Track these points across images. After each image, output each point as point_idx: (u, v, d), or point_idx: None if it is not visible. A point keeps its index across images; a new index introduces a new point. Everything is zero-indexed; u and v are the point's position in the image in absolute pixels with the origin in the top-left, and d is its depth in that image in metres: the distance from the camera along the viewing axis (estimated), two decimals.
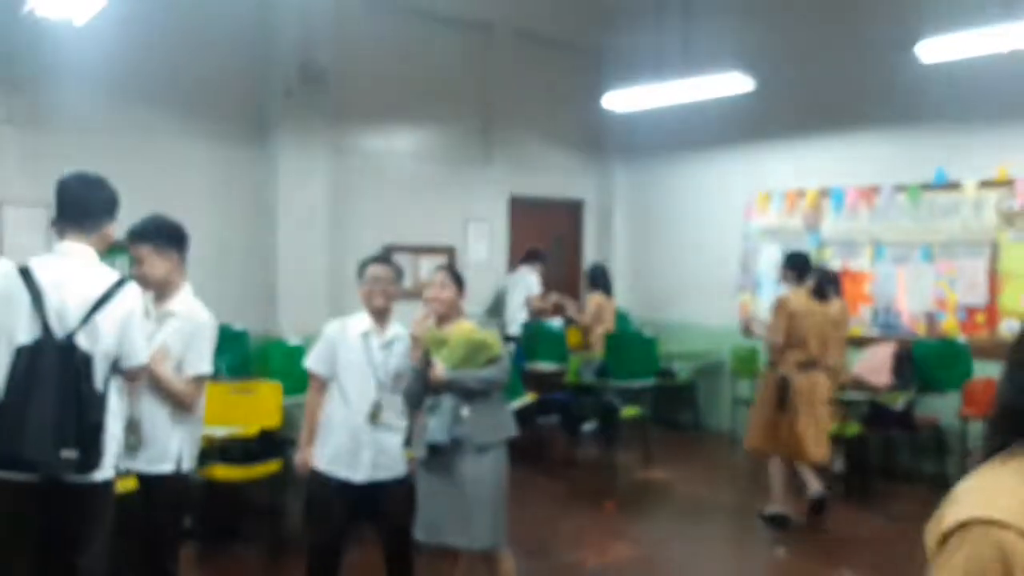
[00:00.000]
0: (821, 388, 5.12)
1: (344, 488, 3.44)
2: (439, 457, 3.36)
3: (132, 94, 6.03)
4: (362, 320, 3.54)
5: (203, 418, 3.35)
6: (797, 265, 5.26)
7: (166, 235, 3.25)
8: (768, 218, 7.55)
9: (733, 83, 6.27)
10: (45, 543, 2.72)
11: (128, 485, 3.40)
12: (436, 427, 3.34)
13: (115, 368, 2.77)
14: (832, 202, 7.03)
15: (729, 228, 7.80)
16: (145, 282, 3.13)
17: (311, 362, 3.58)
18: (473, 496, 3.34)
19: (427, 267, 7.53)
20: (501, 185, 8.09)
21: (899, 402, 5.92)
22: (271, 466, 4.68)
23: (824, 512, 5.19)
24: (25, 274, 2.67)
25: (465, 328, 3.47)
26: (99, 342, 2.69)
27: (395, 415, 3.52)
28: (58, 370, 2.59)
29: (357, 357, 3.49)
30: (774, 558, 4.88)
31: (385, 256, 3.80)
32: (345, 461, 3.45)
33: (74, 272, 2.73)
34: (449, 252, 7.69)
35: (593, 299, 7.42)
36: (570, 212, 8.93)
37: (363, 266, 3.59)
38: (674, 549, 5.08)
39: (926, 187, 6.41)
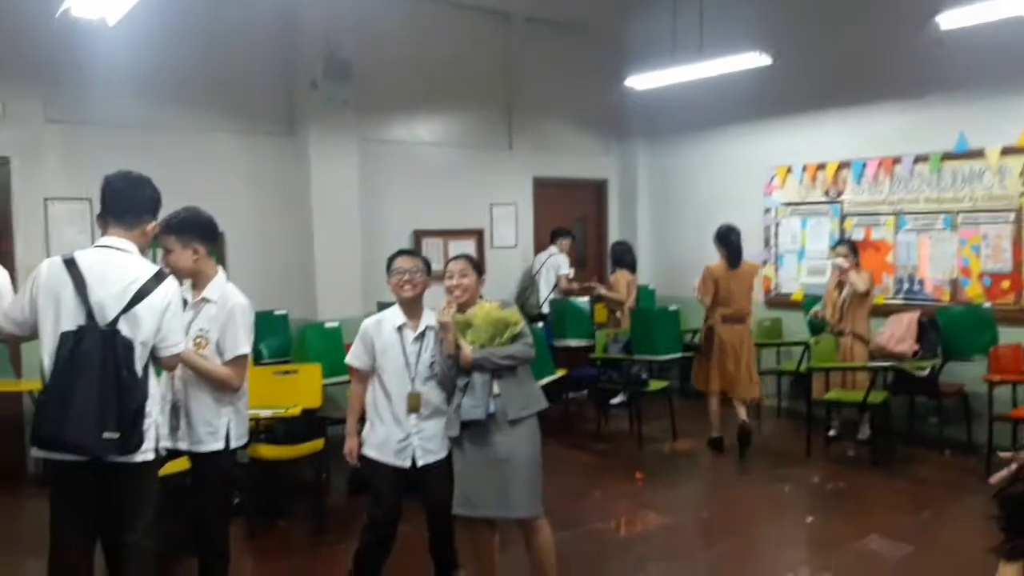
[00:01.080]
0: (745, 336, 6.31)
1: (395, 472, 3.62)
2: (474, 433, 3.50)
3: (166, 90, 6.24)
4: (396, 314, 3.68)
5: (248, 395, 3.51)
6: (718, 237, 6.39)
7: (190, 227, 3.38)
8: (789, 192, 7.60)
9: (750, 60, 6.32)
10: (96, 522, 2.87)
11: (178, 466, 3.60)
12: (471, 405, 3.48)
13: (153, 356, 2.90)
14: (853, 174, 7.08)
15: (750, 203, 7.87)
16: (174, 271, 3.27)
17: (350, 358, 3.74)
18: (509, 468, 3.46)
19: (456, 251, 7.69)
20: (525, 168, 8.22)
21: (924, 369, 6.00)
22: (314, 445, 4.87)
23: (749, 439, 6.09)
24: (70, 264, 2.80)
25: (486, 307, 3.57)
26: (139, 330, 2.80)
27: (435, 402, 3.66)
28: (100, 355, 2.69)
29: (393, 350, 3.63)
30: (802, 524, 5.00)
31: (410, 249, 3.92)
32: (393, 450, 3.61)
33: (116, 263, 2.84)
34: (476, 235, 7.84)
35: (621, 276, 7.56)
36: (594, 192, 9.04)
37: (391, 260, 3.73)
38: (702, 518, 5.22)
39: (948, 156, 6.44)
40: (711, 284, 6.27)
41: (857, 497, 5.31)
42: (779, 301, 7.73)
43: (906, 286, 6.75)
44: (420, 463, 3.62)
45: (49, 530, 2.84)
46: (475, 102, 7.90)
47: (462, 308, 3.61)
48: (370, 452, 3.67)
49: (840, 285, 6.27)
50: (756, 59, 6.29)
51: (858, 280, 6.05)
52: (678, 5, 6.70)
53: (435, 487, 3.69)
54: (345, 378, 4.74)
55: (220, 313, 3.35)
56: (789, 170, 7.57)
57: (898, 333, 6.07)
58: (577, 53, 8.48)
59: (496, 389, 3.49)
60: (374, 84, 7.06)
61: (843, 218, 7.17)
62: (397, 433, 3.61)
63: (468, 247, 7.78)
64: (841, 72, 7.02)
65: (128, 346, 2.75)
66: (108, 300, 2.77)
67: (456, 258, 3.73)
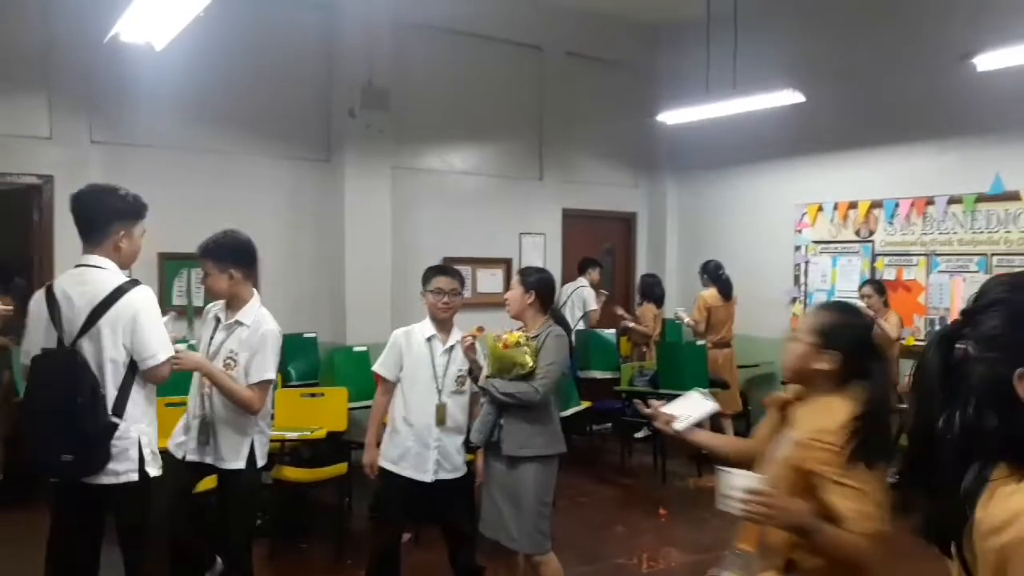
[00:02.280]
0: (732, 357, 7.20)
1: (412, 487, 3.63)
2: (490, 456, 3.52)
3: (208, 114, 6.39)
4: (426, 327, 3.72)
5: (272, 416, 3.59)
6: (709, 272, 7.22)
7: (227, 252, 3.45)
8: (820, 230, 7.57)
9: (783, 98, 6.35)
10: (94, 544, 2.94)
11: (206, 485, 3.65)
12: (475, 428, 3.54)
13: (136, 370, 2.87)
14: (885, 213, 7.04)
15: (780, 240, 7.84)
16: (211, 294, 3.43)
17: (378, 366, 3.77)
18: (509, 504, 3.44)
19: (484, 279, 7.75)
20: (554, 199, 8.27)
21: None
22: (338, 468, 4.90)
23: None
24: (48, 290, 2.88)
25: (505, 339, 3.47)
26: (103, 347, 2.79)
27: (459, 417, 3.69)
28: (62, 377, 2.73)
29: (422, 362, 3.67)
30: None
31: (449, 267, 3.91)
32: (412, 462, 3.63)
33: (84, 282, 2.86)
34: (505, 264, 7.89)
35: (648, 310, 7.55)
36: (623, 225, 9.07)
37: (428, 275, 3.75)
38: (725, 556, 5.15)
39: (982, 197, 6.39)
40: (705, 312, 7.05)
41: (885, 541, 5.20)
42: None
43: (938, 328, 6.66)
44: (439, 477, 3.62)
45: (46, 547, 2.91)
46: (507, 133, 7.99)
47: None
48: (387, 464, 3.67)
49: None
50: (789, 96, 6.31)
51: (890, 327, 6.04)
52: (712, 42, 6.74)
53: (453, 511, 3.70)
54: (371, 402, 4.78)
55: (252, 337, 3.42)
56: (820, 208, 7.55)
57: None
58: (609, 87, 8.56)
59: (501, 421, 3.46)
60: (409, 113, 7.18)
61: (874, 257, 7.12)
62: (418, 445, 3.62)
63: (497, 276, 7.84)
64: (874, 110, 7.02)
65: (84, 366, 2.75)
66: (75, 321, 2.80)
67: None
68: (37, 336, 2.86)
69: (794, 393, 2.28)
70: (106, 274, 2.88)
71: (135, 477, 2.85)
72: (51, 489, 2.91)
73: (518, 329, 3.57)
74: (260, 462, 3.49)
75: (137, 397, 2.88)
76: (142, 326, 2.85)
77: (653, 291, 7.70)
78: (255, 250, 3.57)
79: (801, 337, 2.21)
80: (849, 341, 2.14)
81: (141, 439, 2.88)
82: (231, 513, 3.46)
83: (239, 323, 3.46)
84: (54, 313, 2.81)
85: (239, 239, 3.52)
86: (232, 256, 3.46)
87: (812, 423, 2.09)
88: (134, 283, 2.92)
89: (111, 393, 2.81)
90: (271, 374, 3.43)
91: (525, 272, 3.70)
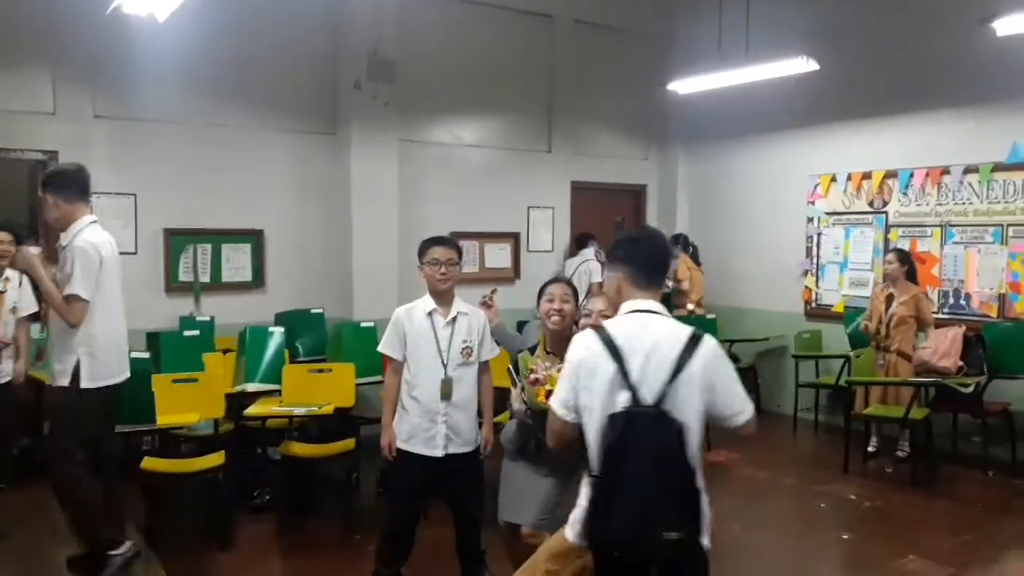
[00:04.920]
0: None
1: (423, 463, 3.59)
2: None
3: (212, 88, 6.33)
4: (427, 302, 3.66)
5: (102, 341, 3.86)
6: (680, 243, 7.76)
7: (48, 182, 3.87)
8: (832, 201, 7.47)
9: (797, 66, 6.22)
10: None
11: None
12: (507, 430, 3.48)
13: None
14: (899, 183, 6.92)
15: (793, 212, 7.74)
16: (45, 225, 3.94)
17: (383, 346, 3.72)
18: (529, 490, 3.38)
19: (492, 253, 7.70)
20: (563, 172, 8.18)
21: (968, 386, 5.84)
22: (346, 444, 4.88)
23: None
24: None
25: (547, 387, 3.14)
26: None
27: (467, 390, 3.64)
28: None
29: (424, 337, 3.61)
30: (837, 541, 4.89)
31: (446, 237, 3.85)
32: (422, 438, 3.60)
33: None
34: (513, 238, 7.83)
35: (683, 261, 7.58)
36: (632, 198, 8.97)
37: (424, 247, 3.68)
38: (736, 532, 5.13)
39: (999, 167, 6.27)
40: (688, 273, 7.66)
41: (896, 516, 5.19)
42: (820, 313, 7.59)
43: (952, 300, 6.58)
44: (449, 451, 3.59)
45: None
46: (516, 105, 7.89)
47: (556, 338, 3.36)
48: (399, 442, 3.64)
49: (889, 299, 6.13)
50: (802, 65, 6.19)
51: (927, 311, 6.08)
52: (724, 9, 6.61)
53: (462, 488, 3.68)
54: (379, 378, 4.75)
55: (65, 253, 3.80)
56: (833, 179, 7.43)
57: (942, 348, 5.92)
58: (620, 56, 8.42)
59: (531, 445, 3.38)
60: (416, 85, 7.09)
61: (888, 229, 7.02)
62: (426, 421, 3.59)
63: (504, 250, 7.78)
64: (889, 79, 6.88)
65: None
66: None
67: (557, 280, 3.54)
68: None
69: None
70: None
71: None
72: None
73: (556, 368, 3.15)
74: (85, 384, 3.79)
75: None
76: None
77: (685, 246, 7.89)
78: (80, 178, 3.90)
79: None
80: None
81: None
82: (51, 428, 3.98)
83: (62, 245, 3.85)
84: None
85: (61, 170, 4.01)
86: (53, 186, 3.83)
87: None
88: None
89: None
90: (78, 290, 3.73)
91: (571, 285, 3.52)
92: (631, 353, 2.29)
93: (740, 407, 2.35)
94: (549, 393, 3.07)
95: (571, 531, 2.41)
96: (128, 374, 4.07)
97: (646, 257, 2.48)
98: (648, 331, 2.34)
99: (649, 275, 2.45)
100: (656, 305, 2.42)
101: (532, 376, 3.20)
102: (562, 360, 3.15)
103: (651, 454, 2.21)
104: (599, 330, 2.38)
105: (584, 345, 2.37)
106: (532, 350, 3.44)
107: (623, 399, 2.26)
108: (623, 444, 2.22)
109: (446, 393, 3.59)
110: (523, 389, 3.22)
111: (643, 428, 2.23)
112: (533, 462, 3.36)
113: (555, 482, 3.28)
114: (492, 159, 7.75)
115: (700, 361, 2.29)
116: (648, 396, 2.26)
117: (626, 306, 2.43)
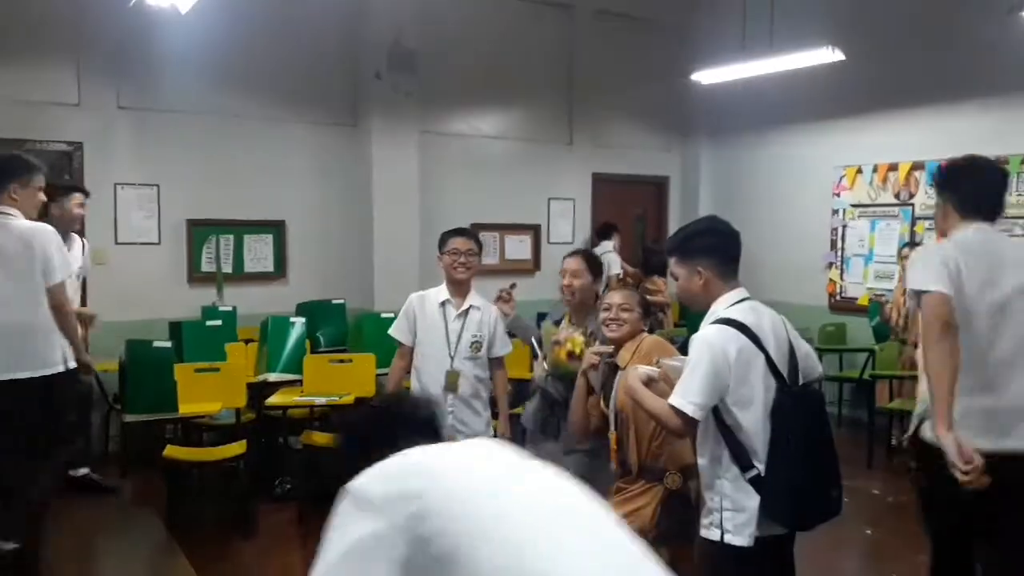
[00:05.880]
0: None
1: None
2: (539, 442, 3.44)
3: (234, 79, 6.35)
4: (441, 291, 3.66)
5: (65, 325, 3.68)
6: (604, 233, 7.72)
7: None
8: (858, 193, 7.37)
9: (822, 56, 6.14)
10: None
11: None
12: (527, 409, 3.50)
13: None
14: (926, 175, 6.81)
15: (817, 204, 7.65)
16: None
17: (393, 330, 3.73)
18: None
19: (512, 245, 7.68)
20: (584, 163, 8.14)
21: None
22: None
23: None
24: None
25: (567, 345, 3.23)
26: None
27: (474, 383, 3.61)
28: None
29: (434, 326, 3.60)
30: (860, 535, 4.84)
31: (466, 228, 3.86)
32: None
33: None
34: (533, 230, 7.81)
35: (660, 281, 7.47)
36: (654, 190, 8.90)
37: (445, 238, 3.68)
38: None
39: None
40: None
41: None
42: (844, 306, 7.50)
43: None
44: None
45: None
46: (536, 96, 7.85)
47: (575, 311, 3.40)
48: None
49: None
50: (828, 55, 6.10)
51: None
52: None
53: None
54: None
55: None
56: (859, 170, 7.33)
57: None
58: (642, 47, 8.35)
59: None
60: (437, 76, 7.07)
61: (914, 221, 6.91)
62: None
63: (525, 242, 7.76)
64: (916, 68, 6.76)
65: None
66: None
67: (571, 255, 3.53)
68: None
69: None
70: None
71: None
72: None
73: (580, 332, 3.31)
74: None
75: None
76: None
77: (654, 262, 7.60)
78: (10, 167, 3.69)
79: None
80: None
81: None
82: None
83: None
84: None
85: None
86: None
87: None
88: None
89: None
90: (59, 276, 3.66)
91: (585, 255, 3.53)
92: (765, 339, 2.40)
93: (818, 366, 2.64)
94: (570, 354, 3.13)
95: (738, 536, 2.39)
96: (16, 375, 3.50)
97: (734, 247, 2.59)
98: (761, 315, 2.48)
99: (735, 263, 2.57)
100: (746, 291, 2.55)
101: (554, 339, 3.22)
102: (585, 331, 3.23)
103: (814, 430, 2.39)
104: (732, 323, 2.40)
105: (728, 340, 2.37)
106: (557, 323, 3.45)
107: (773, 385, 2.37)
108: (792, 425, 2.33)
109: (451, 385, 3.56)
110: (545, 357, 3.25)
111: (804, 407, 2.39)
112: (555, 438, 3.35)
113: (582, 459, 3.27)
114: (513, 150, 7.72)
115: (794, 333, 2.54)
116: (791, 378, 2.43)
117: (729, 297, 2.50)
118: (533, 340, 3.48)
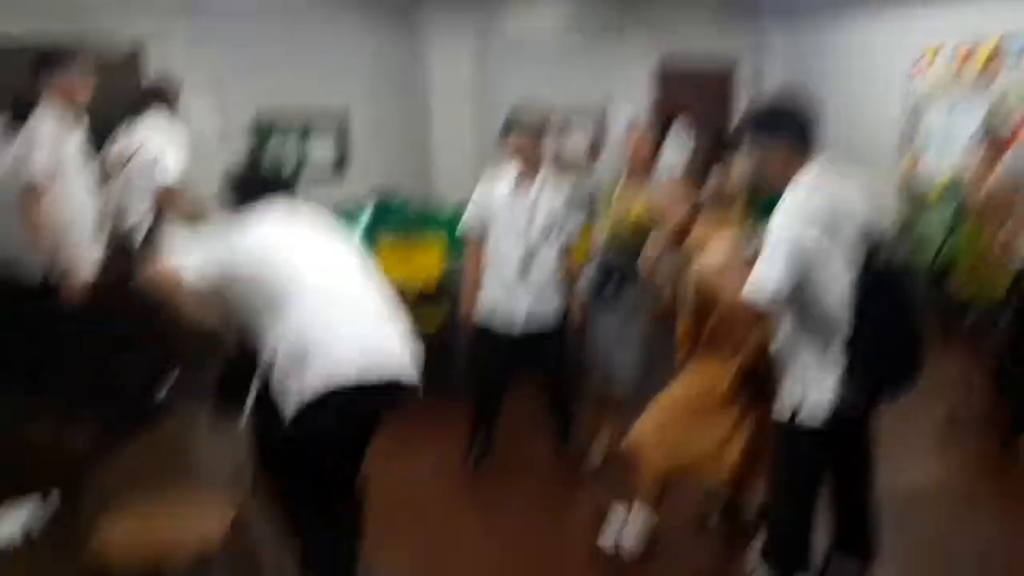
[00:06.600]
0: None
1: (503, 340, 3.61)
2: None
3: None
4: (510, 176, 3.62)
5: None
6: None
7: None
8: (937, 76, 6.97)
9: None
10: None
11: None
12: (584, 276, 3.67)
13: None
14: (1012, 55, 6.36)
15: (893, 89, 7.28)
16: None
17: (463, 224, 3.72)
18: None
19: (570, 141, 7.54)
20: (644, 54, 7.93)
21: None
22: (436, 314, 4.92)
23: None
24: None
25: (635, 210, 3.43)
26: None
27: (549, 265, 3.61)
28: None
29: (505, 213, 3.59)
30: (936, 413, 4.75)
31: (531, 110, 3.81)
32: (501, 315, 3.60)
33: None
34: (595, 124, 7.65)
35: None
36: (719, 80, 8.54)
37: (509, 124, 3.62)
38: None
39: None
40: None
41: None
42: (917, 194, 7.22)
43: None
44: (529, 329, 3.58)
45: None
46: None
47: (631, 175, 3.60)
48: (480, 319, 3.66)
49: (993, 163, 5.63)
50: None
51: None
52: None
53: (546, 361, 3.68)
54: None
55: None
56: (937, 51, 6.91)
57: None
58: None
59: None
60: None
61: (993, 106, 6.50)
62: (505, 297, 3.58)
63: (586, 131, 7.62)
64: None
65: None
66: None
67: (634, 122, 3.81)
68: None
69: None
70: None
71: None
72: None
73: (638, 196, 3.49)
74: None
75: None
76: None
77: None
78: None
79: None
80: None
81: None
82: None
83: None
84: None
85: None
86: None
87: None
88: None
89: None
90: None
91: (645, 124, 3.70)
92: (847, 215, 2.37)
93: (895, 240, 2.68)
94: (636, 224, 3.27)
95: (813, 413, 2.41)
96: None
97: (814, 124, 2.51)
98: (843, 189, 2.46)
99: (815, 140, 2.49)
100: None
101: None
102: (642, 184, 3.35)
103: (895, 308, 2.32)
104: (813, 199, 2.36)
105: (808, 218, 2.32)
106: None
107: (855, 263, 2.32)
108: (874, 304, 2.29)
109: (525, 269, 3.56)
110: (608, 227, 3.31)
111: (886, 285, 2.32)
112: (610, 306, 3.40)
113: (644, 339, 3.33)
114: (568, 43, 7.57)
115: (875, 207, 2.49)
116: (873, 255, 2.35)
117: (808, 172, 2.43)
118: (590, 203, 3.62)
